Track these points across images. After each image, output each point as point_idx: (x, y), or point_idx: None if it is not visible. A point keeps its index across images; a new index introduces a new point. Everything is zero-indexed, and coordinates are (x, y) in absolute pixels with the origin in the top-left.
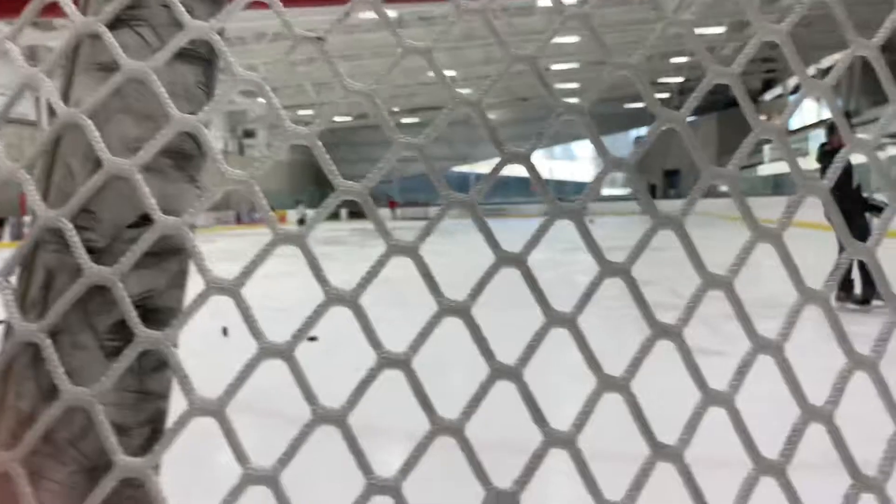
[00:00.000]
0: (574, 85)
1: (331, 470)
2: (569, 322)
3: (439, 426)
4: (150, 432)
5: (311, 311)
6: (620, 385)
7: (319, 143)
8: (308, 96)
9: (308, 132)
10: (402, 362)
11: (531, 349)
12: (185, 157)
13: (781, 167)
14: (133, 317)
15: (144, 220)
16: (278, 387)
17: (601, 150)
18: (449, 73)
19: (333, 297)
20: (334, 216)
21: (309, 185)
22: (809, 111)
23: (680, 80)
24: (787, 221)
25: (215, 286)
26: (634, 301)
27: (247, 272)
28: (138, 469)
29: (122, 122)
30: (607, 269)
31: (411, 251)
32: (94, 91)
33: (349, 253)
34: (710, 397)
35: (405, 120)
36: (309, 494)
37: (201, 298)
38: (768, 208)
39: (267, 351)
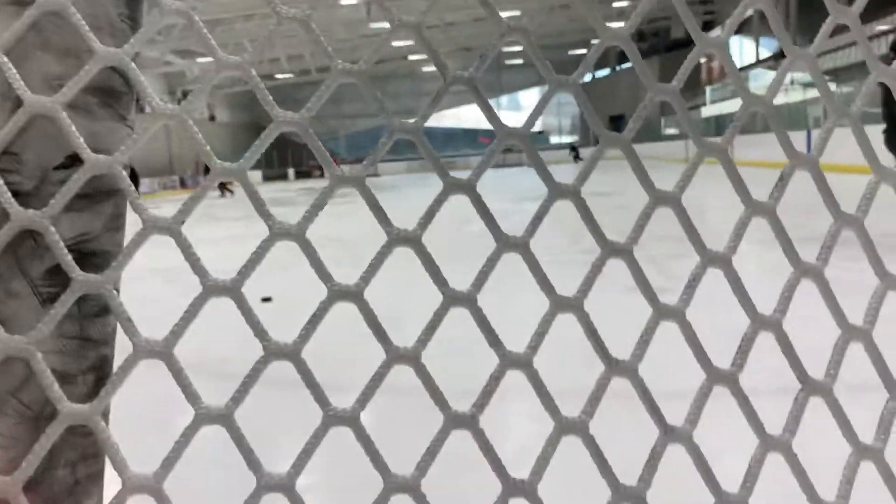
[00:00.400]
0: (516, 12)
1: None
2: (521, 247)
3: (395, 355)
4: (94, 380)
5: (256, 248)
6: (573, 305)
7: (254, 74)
8: (245, 53)
9: (240, 60)
10: (354, 294)
11: (484, 275)
12: (112, 94)
13: (722, 108)
14: (68, 261)
15: (73, 161)
16: (230, 357)
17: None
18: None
19: (278, 232)
20: (282, 177)
21: (251, 142)
22: (749, 51)
23: (621, 24)
24: (730, 137)
25: (153, 225)
26: (584, 221)
27: (185, 209)
28: (85, 416)
29: (41, 59)
30: (556, 191)
31: (358, 182)
32: (7, 26)
33: (298, 214)
34: (661, 312)
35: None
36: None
37: (140, 238)
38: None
39: (212, 289)
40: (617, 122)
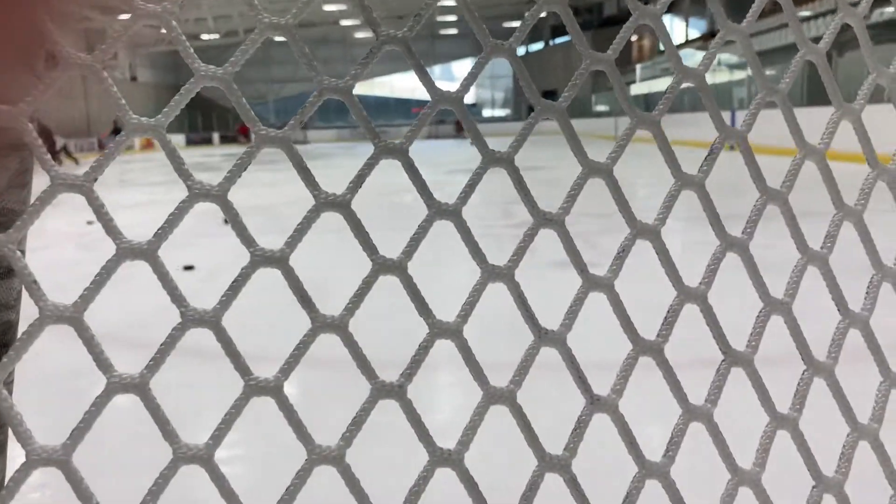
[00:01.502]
0: (451, 1)
1: (207, 380)
2: (453, 214)
3: (321, 323)
4: None
5: (175, 209)
6: (504, 274)
7: (175, 25)
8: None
9: (159, 10)
10: (278, 259)
11: (415, 242)
12: None
13: (652, 86)
14: None
15: None
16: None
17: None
18: None
19: (199, 192)
20: (206, 141)
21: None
22: (679, 31)
23: None
24: (664, 109)
25: (62, 182)
26: (517, 189)
27: (97, 167)
28: None
29: None
30: (490, 158)
31: (284, 142)
32: None
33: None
34: (591, 283)
35: (278, 38)
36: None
37: (47, 196)
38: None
39: (126, 251)
40: (550, 97)
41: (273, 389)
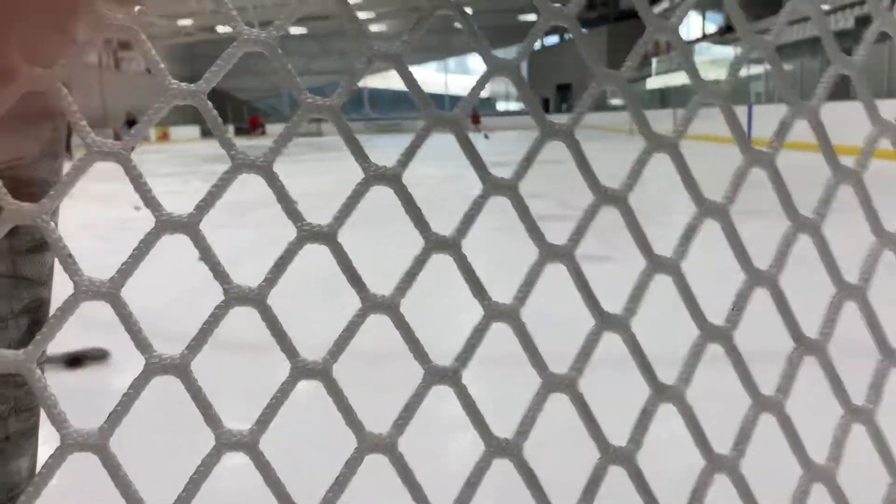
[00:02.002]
0: None
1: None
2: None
3: (371, 303)
4: (28, 323)
5: (218, 180)
6: (563, 254)
7: (138, 29)
8: (187, 5)
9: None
10: (325, 235)
11: (469, 219)
12: None
13: (668, 80)
14: None
15: None
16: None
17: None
18: None
19: (242, 163)
20: (257, 130)
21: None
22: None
23: None
24: (682, 131)
25: (98, 150)
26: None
27: (136, 134)
28: (17, 363)
29: None
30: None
31: (331, 111)
32: None
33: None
34: (656, 264)
35: (293, 30)
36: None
37: (83, 164)
38: (656, 121)
39: (166, 224)
40: (564, 91)
41: (322, 372)
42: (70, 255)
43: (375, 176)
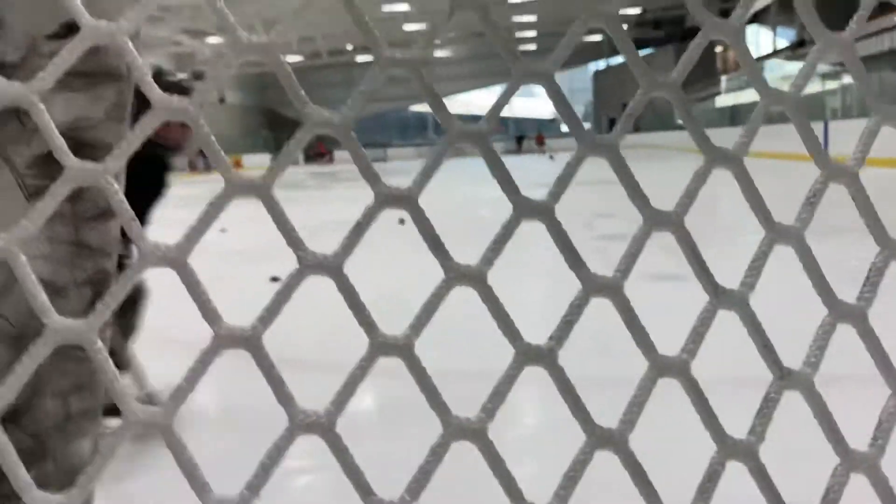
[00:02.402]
0: (532, 17)
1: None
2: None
3: (456, 273)
4: (91, 295)
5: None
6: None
7: (282, 60)
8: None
9: (266, 42)
10: (407, 198)
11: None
12: None
13: (738, 98)
14: (60, 145)
15: (69, 32)
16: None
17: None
18: (401, 6)
19: (386, 197)
20: (325, 157)
21: (262, 129)
22: (766, 41)
23: (636, 11)
24: (746, 144)
25: (165, 106)
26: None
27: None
28: (78, 334)
29: None
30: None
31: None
32: None
33: (308, 196)
34: (779, 233)
35: (360, 58)
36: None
37: (150, 120)
38: (725, 139)
39: (235, 188)
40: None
41: (403, 348)
42: (134, 219)
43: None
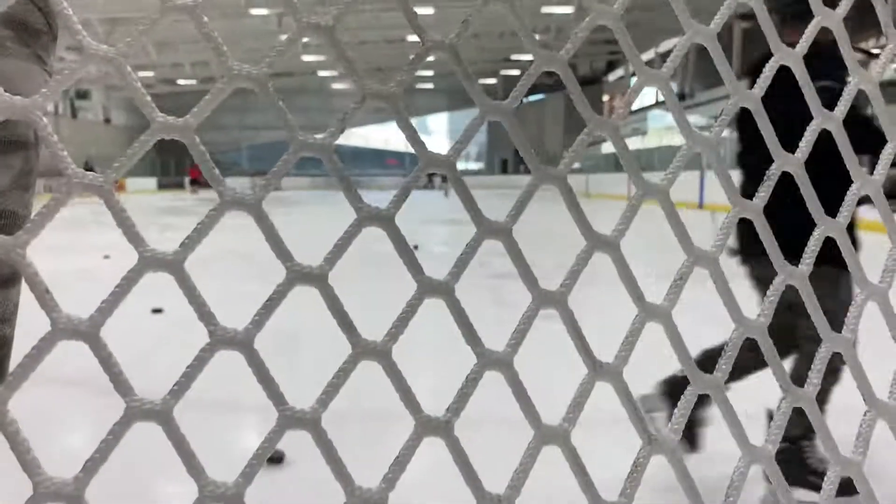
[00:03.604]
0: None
1: None
2: (504, 233)
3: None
4: None
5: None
6: (559, 300)
7: (129, 70)
8: (149, 57)
9: (114, 52)
10: (316, 277)
11: (463, 263)
12: (29, 31)
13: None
14: None
15: None
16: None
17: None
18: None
19: (229, 201)
20: (178, 185)
21: (148, 152)
22: (649, 92)
23: (528, 57)
24: (673, 179)
25: (80, 182)
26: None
27: (120, 167)
28: None
29: None
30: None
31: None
32: None
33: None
34: (649, 312)
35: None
36: None
37: (64, 197)
38: (612, 185)
39: (150, 262)
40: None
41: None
42: (48, 291)
43: (368, 217)
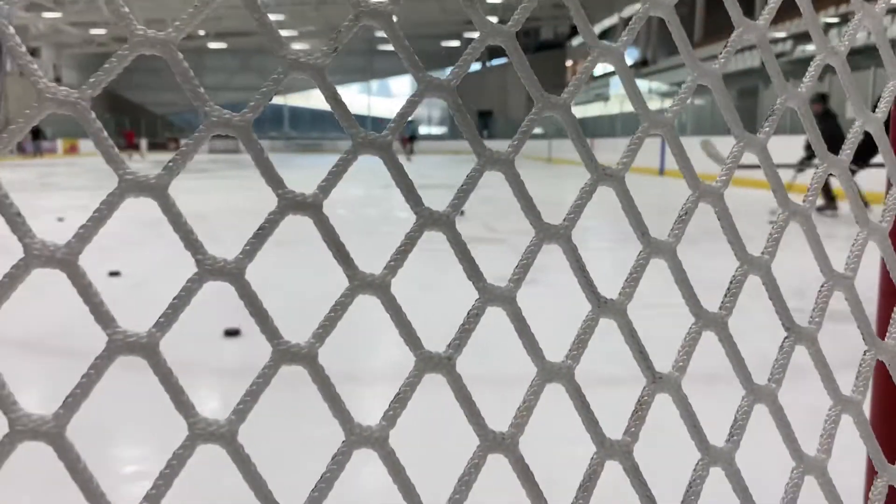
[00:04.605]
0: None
1: None
2: (505, 164)
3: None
4: None
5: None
6: (561, 235)
7: (180, 55)
8: (102, 13)
9: (163, 36)
10: (310, 205)
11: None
12: None
13: (585, 111)
14: None
15: None
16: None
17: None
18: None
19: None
20: (134, 147)
21: (103, 112)
22: None
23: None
24: (629, 163)
25: (52, 97)
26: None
27: (96, 82)
28: None
29: None
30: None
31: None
32: None
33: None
34: (654, 248)
35: (212, 45)
36: None
37: (33, 114)
38: (572, 151)
39: (130, 185)
40: (486, 118)
41: (307, 356)
42: (19, 215)
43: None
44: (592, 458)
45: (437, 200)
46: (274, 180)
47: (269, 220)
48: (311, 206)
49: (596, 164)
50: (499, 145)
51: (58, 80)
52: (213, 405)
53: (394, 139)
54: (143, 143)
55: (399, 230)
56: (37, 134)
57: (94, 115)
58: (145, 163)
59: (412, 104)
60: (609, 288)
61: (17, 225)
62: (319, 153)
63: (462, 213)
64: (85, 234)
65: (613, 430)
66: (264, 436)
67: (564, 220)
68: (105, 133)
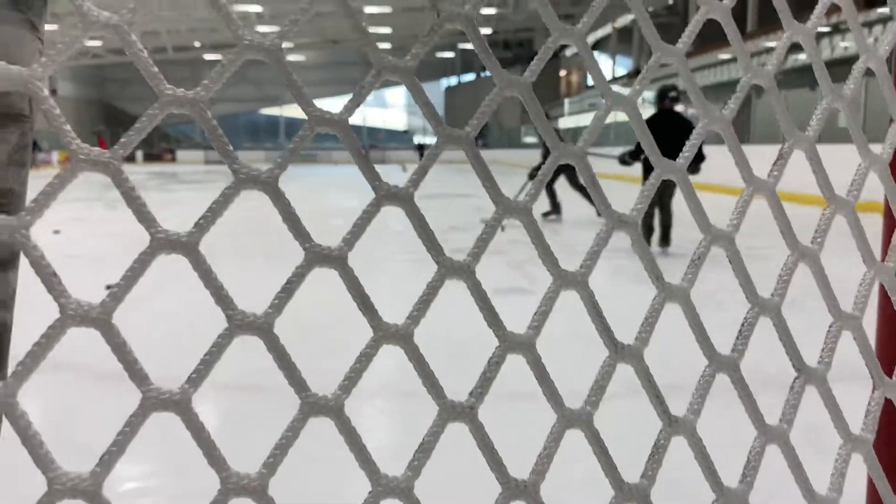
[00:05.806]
0: (387, 30)
1: None
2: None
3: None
4: None
5: (220, 196)
6: (578, 281)
7: (134, 37)
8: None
9: (117, 18)
10: (336, 259)
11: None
12: None
13: (579, 121)
14: None
15: None
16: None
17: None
18: (254, 8)
19: (244, 178)
20: (129, 158)
21: (98, 124)
22: (605, 69)
23: (487, 31)
24: (589, 140)
25: (87, 158)
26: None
27: (127, 142)
28: None
29: None
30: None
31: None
32: None
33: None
34: (669, 293)
35: (208, 56)
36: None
37: (69, 174)
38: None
39: (162, 243)
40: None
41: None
42: (55, 275)
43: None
44: (611, 502)
45: (434, 209)
46: (302, 235)
47: (296, 275)
48: (336, 260)
49: (611, 210)
50: (493, 155)
51: (53, 91)
52: (214, 423)
53: (346, 118)
54: (139, 154)
55: (393, 241)
56: (32, 146)
57: (126, 174)
58: (141, 175)
59: (367, 88)
60: (607, 289)
61: (53, 285)
62: (315, 164)
63: (503, 228)
64: (119, 294)
65: (612, 432)
66: (295, 486)
67: (581, 266)
68: (137, 192)
